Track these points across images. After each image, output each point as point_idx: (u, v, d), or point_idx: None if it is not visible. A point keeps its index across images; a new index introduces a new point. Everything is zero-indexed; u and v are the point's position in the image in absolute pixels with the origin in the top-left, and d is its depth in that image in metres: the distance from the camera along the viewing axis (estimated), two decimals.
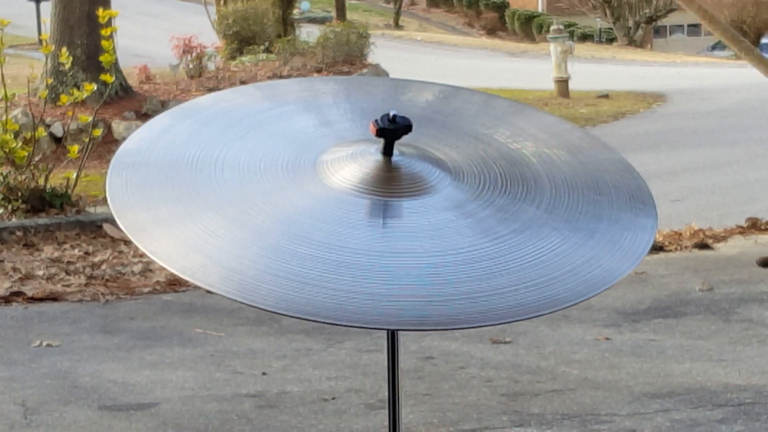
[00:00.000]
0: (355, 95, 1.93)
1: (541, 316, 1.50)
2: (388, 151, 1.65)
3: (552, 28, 21.59)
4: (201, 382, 5.01)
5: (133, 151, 1.73)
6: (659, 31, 49.67)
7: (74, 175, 9.38)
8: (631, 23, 43.32)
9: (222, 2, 22.72)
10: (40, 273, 7.53)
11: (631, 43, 42.21)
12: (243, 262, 1.50)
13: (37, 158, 9.35)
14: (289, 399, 4.75)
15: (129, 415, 4.62)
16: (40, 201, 9.10)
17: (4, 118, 9.27)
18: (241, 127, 1.79)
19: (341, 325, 1.43)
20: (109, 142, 13.20)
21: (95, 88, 9.74)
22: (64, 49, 10.27)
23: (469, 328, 1.47)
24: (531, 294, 1.50)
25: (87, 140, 9.47)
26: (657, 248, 7.25)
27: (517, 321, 1.49)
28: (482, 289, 1.50)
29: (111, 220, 7.43)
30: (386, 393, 1.77)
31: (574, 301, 1.54)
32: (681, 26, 50.14)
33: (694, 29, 48.97)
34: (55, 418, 4.59)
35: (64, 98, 9.58)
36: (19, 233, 8.67)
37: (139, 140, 1.76)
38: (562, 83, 20.54)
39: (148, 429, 4.45)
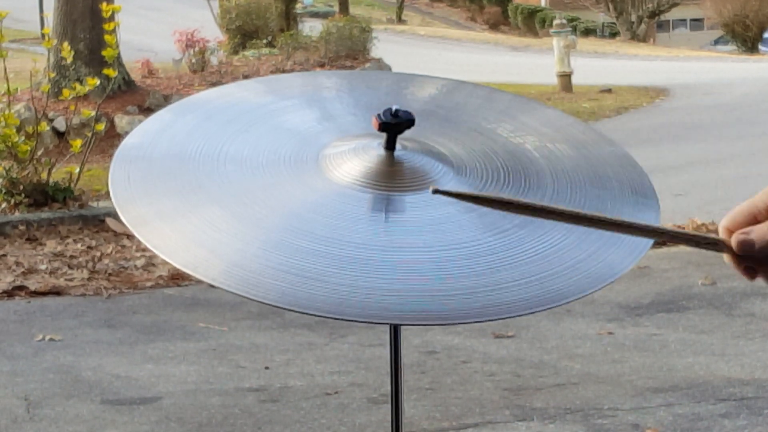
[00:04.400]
0: (358, 89, 1.93)
1: (543, 311, 1.50)
2: (390, 146, 1.65)
3: (555, 22, 21.57)
4: (204, 377, 5.02)
5: (135, 145, 1.73)
6: (662, 26, 49.64)
7: (77, 170, 9.38)
8: (634, 18, 43.29)
9: None
10: (43, 267, 7.53)
11: (634, 37, 42.19)
12: (245, 256, 1.49)
13: (39, 152, 9.35)
14: (291, 393, 4.76)
15: (132, 409, 4.62)
16: (43, 195, 9.10)
17: (6, 112, 9.27)
18: (244, 121, 1.79)
19: (344, 320, 1.43)
20: (112, 137, 13.20)
21: (98, 82, 9.75)
22: (66, 44, 10.28)
23: (471, 322, 1.46)
24: (533, 289, 1.50)
25: (90, 135, 9.48)
26: (659, 242, 7.24)
27: (520, 316, 1.49)
28: (485, 283, 1.50)
29: (114, 215, 7.43)
30: (389, 387, 1.77)
31: (575, 296, 1.53)
32: (684, 21, 50.10)
33: (697, 24, 48.93)
34: (58, 413, 4.59)
35: (66, 92, 9.59)
36: (21, 227, 8.67)
37: (142, 134, 1.76)
38: (565, 78, 20.53)
39: (150, 423, 4.45)
